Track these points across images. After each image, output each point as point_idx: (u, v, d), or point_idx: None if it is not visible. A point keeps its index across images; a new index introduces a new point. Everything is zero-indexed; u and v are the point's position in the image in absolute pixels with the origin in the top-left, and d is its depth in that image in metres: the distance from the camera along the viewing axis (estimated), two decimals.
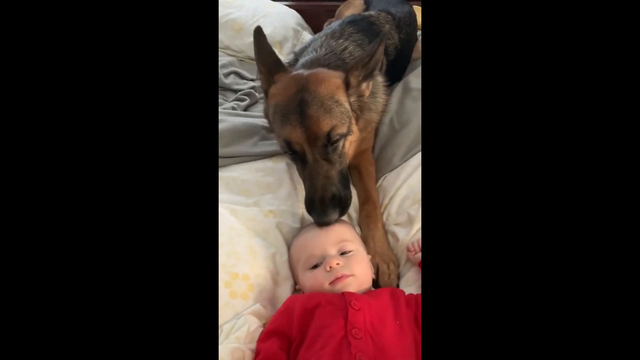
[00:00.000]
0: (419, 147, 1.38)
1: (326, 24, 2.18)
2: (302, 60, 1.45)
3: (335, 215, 1.13)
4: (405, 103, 1.56)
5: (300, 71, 1.28)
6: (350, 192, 1.21)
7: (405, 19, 1.84)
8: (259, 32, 1.28)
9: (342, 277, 0.99)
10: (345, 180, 1.21)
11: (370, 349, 0.83)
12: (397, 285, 1.15)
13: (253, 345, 0.92)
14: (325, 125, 1.14)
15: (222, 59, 2.17)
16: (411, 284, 1.12)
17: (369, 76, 1.26)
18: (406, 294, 1.02)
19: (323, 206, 1.12)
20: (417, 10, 2.04)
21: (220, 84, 1.98)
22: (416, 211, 1.22)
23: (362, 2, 2.18)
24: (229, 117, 1.59)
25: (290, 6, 2.63)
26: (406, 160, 1.38)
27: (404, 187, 1.31)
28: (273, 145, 1.42)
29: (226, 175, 1.34)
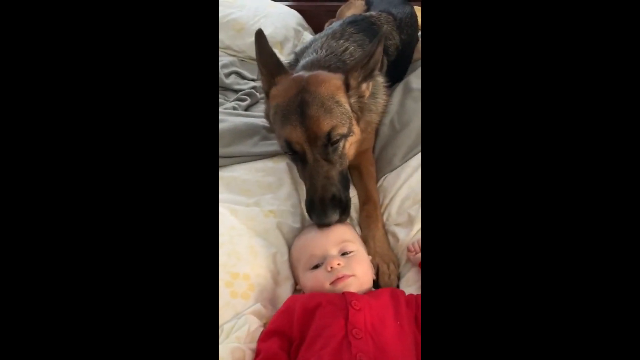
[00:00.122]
0: (420, 147, 1.38)
1: (327, 24, 2.18)
2: (302, 62, 1.45)
3: (335, 216, 1.12)
4: (406, 103, 1.56)
5: (301, 73, 1.28)
6: (349, 195, 1.21)
7: (407, 19, 1.84)
8: (260, 35, 1.29)
9: (342, 277, 0.99)
10: (345, 182, 1.22)
11: (371, 349, 0.83)
12: (398, 286, 1.15)
13: (253, 345, 0.92)
14: (326, 125, 1.14)
15: (223, 59, 2.17)
16: (411, 284, 1.12)
17: (368, 77, 1.27)
18: (406, 294, 1.02)
19: (323, 207, 1.12)
20: (418, 10, 2.04)
21: (221, 84, 1.98)
22: (416, 211, 1.22)
23: (363, 2, 2.19)
24: (229, 117, 1.60)
25: (291, 6, 2.63)
26: (407, 161, 1.38)
27: (404, 188, 1.31)
28: (274, 145, 1.42)
29: (227, 175, 1.34)
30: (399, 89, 1.66)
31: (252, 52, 2.18)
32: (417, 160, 1.36)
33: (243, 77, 2.11)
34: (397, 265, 1.19)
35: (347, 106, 1.21)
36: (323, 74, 1.26)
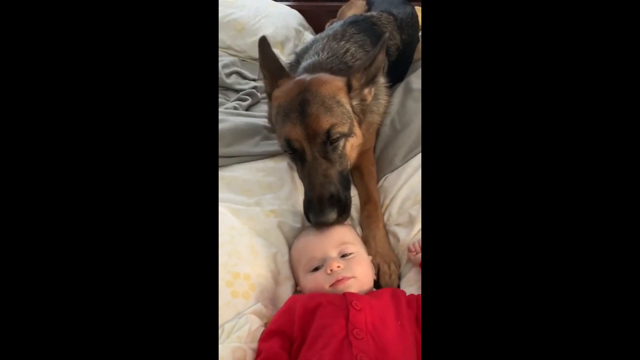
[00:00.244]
0: (420, 147, 1.38)
1: (328, 24, 2.18)
2: (304, 64, 1.46)
3: (333, 215, 1.11)
4: (407, 104, 1.57)
5: (304, 76, 1.29)
6: (350, 195, 1.21)
7: (407, 19, 1.84)
8: (263, 42, 1.32)
9: (342, 279, 0.99)
10: (345, 182, 1.21)
11: (372, 349, 0.83)
12: (398, 286, 1.15)
13: (254, 345, 0.93)
14: (325, 122, 1.14)
15: (224, 59, 2.17)
16: (412, 284, 1.12)
17: (370, 82, 1.27)
18: (407, 294, 1.02)
19: (321, 205, 1.11)
20: (419, 10, 2.05)
21: (222, 83, 1.98)
22: (417, 212, 1.22)
23: (364, 2, 2.19)
24: (230, 117, 1.60)
25: (292, 6, 2.63)
26: (407, 161, 1.38)
27: (405, 188, 1.31)
28: (274, 145, 1.43)
29: (228, 175, 1.34)
30: (400, 89, 1.66)
31: (253, 52, 2.21)
32: (417, 160, 1.36)
33: (244, 77, 2.11)
34: (398, 266, 1.19)
35: (348, 107, 1.21)
36: (325, 76, 1.27)
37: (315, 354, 0.84)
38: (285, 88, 1.24)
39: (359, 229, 1.29)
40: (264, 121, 1.56)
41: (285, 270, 1.14)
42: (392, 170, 1.39)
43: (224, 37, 2.26)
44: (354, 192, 1.34)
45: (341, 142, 1.19)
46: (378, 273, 1.16)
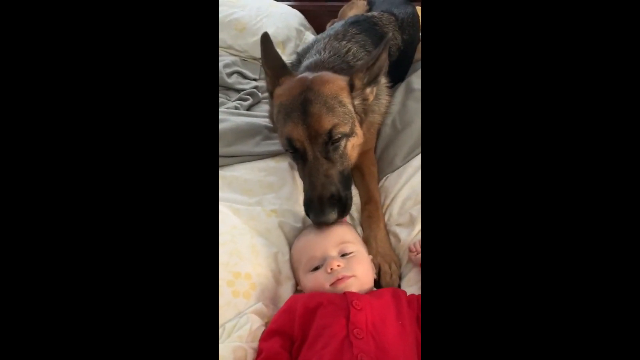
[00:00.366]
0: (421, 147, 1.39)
1: (329, 24, 2.19)
2: (306, 63, 1.46)
3: (333, 215, 1.11)
4: (408, 104, 1.57)
5: (306, 74, 1.29)
6: (351, 194, 1.21)
7: (408, 19, 1.84)
8: (265, 39, 1.32)
9: (343, 278, 0.99)
10: (346, 182, 1.21)
11: (372, 349, 0.83)
12: (399, 286, 1.15)
13: (255, 344, 0.93)
14: (327, 122, 1.14)
15: (225, 58, 2.17)
16: (412, 284, 1.12)
17: (373, 81, 1.27)
18: (408, 294, 1.02)
19: (321, 205, 1.11)
20: (419, 11, 2.05)
21: (223, 83, 1.98)
22: (418, 212, 1.22)
23: (365, 2, 2.19)
24: (231, 117, 1.60)
25: (293, 6, 2.63)
26: (408, 161, 1.39)
27: (405, 188, 1.31)
28: (275, 144, 1.43)
29: (229, 175, 1.34)
30: (401, 89, 1.67)
31: (254, 52, 2.21)
32: (418, 160, 1.36)
33: (245, 77, 2.11)
34: (399, 266, 1.19)
35: (350, 106, 1.21)
36: (328, 74, 1.27)
37: (315, 353, 0.84)
38: (287, 86, 1.24)
39: (359, 229, 1.29)
40: (265, 121, 1.56)
41: (286, 270, 1.14)
42: (393, 170, 1.40)
43: (225, 36, 2.26)
44: (354, 192, 1.34)
45: (343, 142, 1.19)
46: (379, 273, 1.16)
